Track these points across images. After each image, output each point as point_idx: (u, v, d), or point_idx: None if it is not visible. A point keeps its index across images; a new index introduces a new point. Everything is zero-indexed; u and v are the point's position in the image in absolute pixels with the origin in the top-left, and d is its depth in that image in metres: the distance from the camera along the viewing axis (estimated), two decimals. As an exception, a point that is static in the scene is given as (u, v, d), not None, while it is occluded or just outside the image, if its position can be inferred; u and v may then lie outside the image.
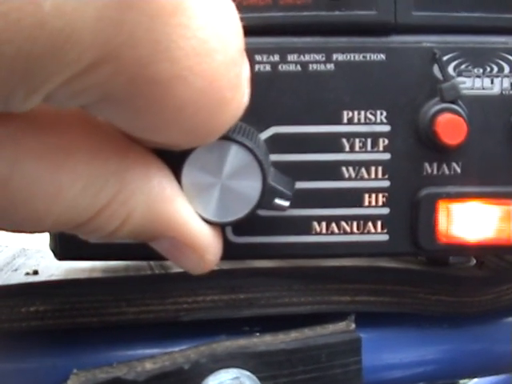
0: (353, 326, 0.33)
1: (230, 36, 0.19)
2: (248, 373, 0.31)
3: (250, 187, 0.24)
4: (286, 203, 0.25)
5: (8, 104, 0.16)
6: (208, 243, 0.24)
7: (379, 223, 0.29)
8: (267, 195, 0.24)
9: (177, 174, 0.23)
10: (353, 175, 0.28)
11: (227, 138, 0.23)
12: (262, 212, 0.28)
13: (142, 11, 0.16)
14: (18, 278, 0.35)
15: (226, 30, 0.18)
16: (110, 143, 0.20)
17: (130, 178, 0.21)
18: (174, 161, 0.23)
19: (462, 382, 0.56)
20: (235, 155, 0.23)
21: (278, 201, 0.25)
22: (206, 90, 0.18)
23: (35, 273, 0.36)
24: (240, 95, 0.20)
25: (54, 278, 0.34)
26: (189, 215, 0.23)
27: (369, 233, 0.29)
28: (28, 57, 0.15)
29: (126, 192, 0.20)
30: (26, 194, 0.18)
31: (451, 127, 0.27)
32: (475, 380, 0.57)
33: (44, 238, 0.30)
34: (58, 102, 0.17)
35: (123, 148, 0.21)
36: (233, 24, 0.19)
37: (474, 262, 0.39)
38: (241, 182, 0.24)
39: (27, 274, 0.36)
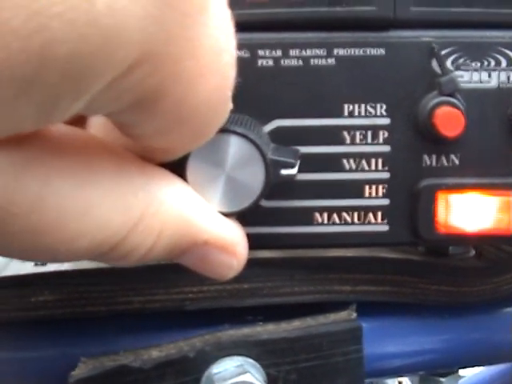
0: (354, 315, 0.33)
1: (232, 36, 0.19)
2: (252, 360, 0.32)
3: (254, 173, 0.24)
4: (293, 171, 0.25)
5: (50, 115, 0.16)
6: (237, 237, 0.24)
7: (379, 214, 0.29)
8: (271, 169, 0.24)
9: (181, 175, 0.23)
10: (353, 167, 0.29)
11: (223, 130, 0.23)
12: (264, 203, 0.29)
13: (177, 8, 0.16)
14: (27, 268, 0.36)
15: (230, 30, 0.19)
16: (126, 160, 0.21)
17: (156, 189, 0.21)
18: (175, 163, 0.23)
19: (461, 374, 0.57)
20: (234, 145, 0.24)
21: (284, 171, 0.25)
22: (218, 88, 0.19)
23: (44, 263, 0.37)
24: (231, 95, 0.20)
25: (62, 268, 0.35)
26: (213, 213, 0.23)
27: (369, 223, 0.29)
28: (80, 57, 0.14)
29: (156, 203, 0.20)
30: (58, 213, 0.18)
31: (449, 120, 0.27)
32: (475, 370, 0.58)
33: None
34: (92, 109, 0.17)
35: (139, 162, 0.21)
36: (231, 25, 0.19)
37: (474, 252, 0.40)
38: (244, 170, 0.24)
39: (36, 264, 0.37)
